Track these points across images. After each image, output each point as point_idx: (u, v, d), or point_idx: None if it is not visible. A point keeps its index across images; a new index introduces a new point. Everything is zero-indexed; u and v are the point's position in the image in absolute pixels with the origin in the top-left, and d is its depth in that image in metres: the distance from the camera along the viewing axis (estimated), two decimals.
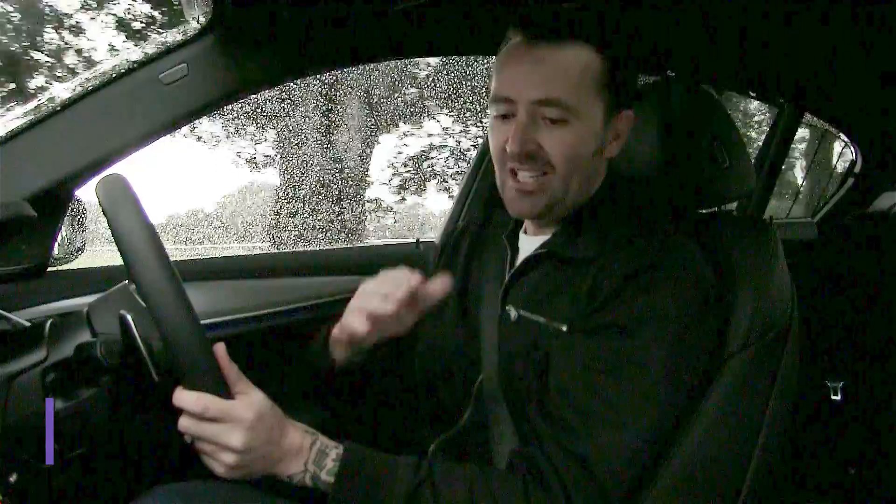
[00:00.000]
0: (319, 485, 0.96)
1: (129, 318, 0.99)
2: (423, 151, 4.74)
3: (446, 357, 1.24)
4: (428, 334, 1.28)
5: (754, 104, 5.09)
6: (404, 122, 4.52)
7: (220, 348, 0.94)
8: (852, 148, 2.89)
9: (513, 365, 1.09)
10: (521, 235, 1.23)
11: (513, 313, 1.13)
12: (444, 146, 4.74)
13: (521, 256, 1.19)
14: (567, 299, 1.07)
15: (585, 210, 1.14)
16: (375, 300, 1.07)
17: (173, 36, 1.38)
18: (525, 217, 1.16)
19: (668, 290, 1.00)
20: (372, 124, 4.08)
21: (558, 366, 1.03)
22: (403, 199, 4.79)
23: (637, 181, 1.24)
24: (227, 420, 0.91)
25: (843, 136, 2.86)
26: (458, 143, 4.71)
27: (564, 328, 1.04)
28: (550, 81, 1.03)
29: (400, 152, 4.67)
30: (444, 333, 1.26)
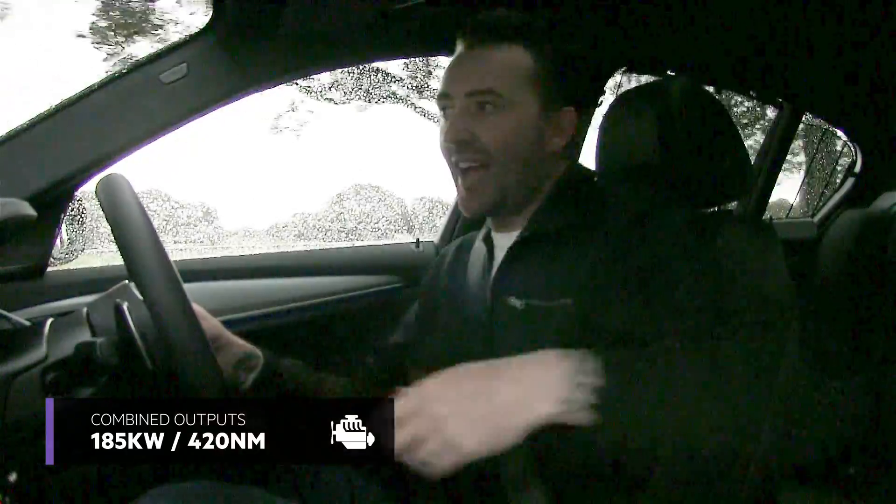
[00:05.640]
0: (581, 413, 0.81)
1: (124, 307, 0.99)
2: None
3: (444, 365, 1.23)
4: (423, 347, 1.29)
5: None
6: None
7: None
8: (852, 147, 2.89)
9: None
10: (494, 235, 1.24)
11: (513, 303, 1.12)
12: None
13: (500, 253, 1.19)
14: (563, 275, 1.08)
15: (554, 191, 1.18)
16: None
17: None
18: (476, 214, 1.18)
19: (674, 239, 1.04)
20: None
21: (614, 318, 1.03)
22: None
23: (635, 180, 1.24)
24: (420, 397, 0.84)
25: (843, 136, 2.87)
26: None
27: (570, 301, 1.05)
28: (482, 74, 1.11)
29: None
30: (438, 343, 1.26)
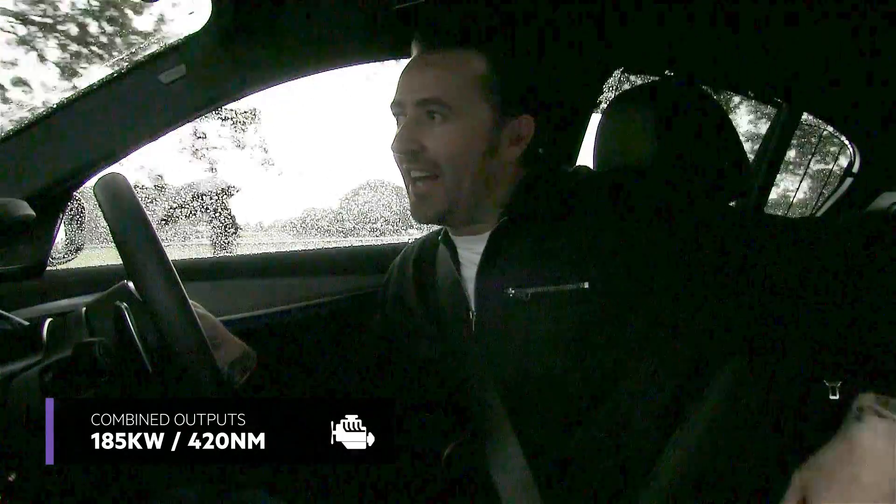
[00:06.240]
0: None
1: (124, 309, 0.99)
2: None
3: (436, 371, 1.22)
4: (412, 353, 1.28)
5: None
6: None
7: None
8: (850, 148, 2.89)
9: (531, 349, 1.08)
10: (454, 238, 1.22)
11: (512, 294, 1.10)
12: None
13: (466, 253, 1.18)
14: (570, 260, 1.06)
15: (524, 184, 1.15)
16: None
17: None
18: (427, 222, 1.18)
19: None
20: None
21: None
22: None
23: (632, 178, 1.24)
24: None
25: (841, 136, 2.86)
26: None
27: (585, 284, 1.04)
28: (434, 82, 1.09)
29: None
30: (426, 349, 1.25)
